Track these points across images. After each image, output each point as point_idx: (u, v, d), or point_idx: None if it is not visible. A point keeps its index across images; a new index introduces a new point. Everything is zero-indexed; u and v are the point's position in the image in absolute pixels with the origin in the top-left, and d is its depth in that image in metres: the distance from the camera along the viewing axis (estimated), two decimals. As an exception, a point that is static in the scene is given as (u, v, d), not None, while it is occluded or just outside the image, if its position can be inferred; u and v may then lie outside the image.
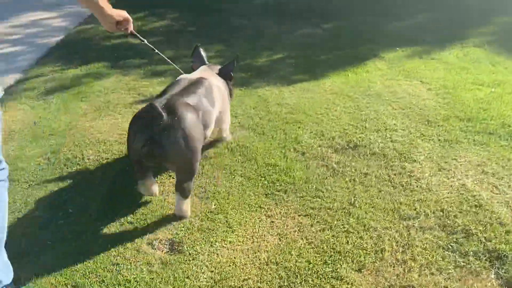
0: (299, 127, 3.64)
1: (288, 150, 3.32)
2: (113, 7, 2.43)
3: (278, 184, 2.96)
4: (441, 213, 2.70)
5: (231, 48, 5.51)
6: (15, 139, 3.54)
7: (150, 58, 5.15)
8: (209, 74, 3.17)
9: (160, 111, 2.40)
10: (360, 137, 3.48)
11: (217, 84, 3.12)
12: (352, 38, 5.77)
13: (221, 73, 3.31)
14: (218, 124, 3.17)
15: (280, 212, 2.73)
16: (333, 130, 3.58)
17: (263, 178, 3.02)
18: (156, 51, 3.07)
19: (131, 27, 2.60)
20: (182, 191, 2.62)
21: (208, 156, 3.26)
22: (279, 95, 4.22)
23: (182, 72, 3.22)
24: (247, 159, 3.23)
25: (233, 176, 3.05)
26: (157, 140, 2.41)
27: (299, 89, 4.35)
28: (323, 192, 2.88)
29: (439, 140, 3.44)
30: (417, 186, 2.93)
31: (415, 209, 2.73)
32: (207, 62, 3.40)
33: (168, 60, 3.23)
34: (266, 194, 2.88)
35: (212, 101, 2.92)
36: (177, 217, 2.68)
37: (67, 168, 3.15)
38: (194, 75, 3.08)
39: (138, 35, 2.78)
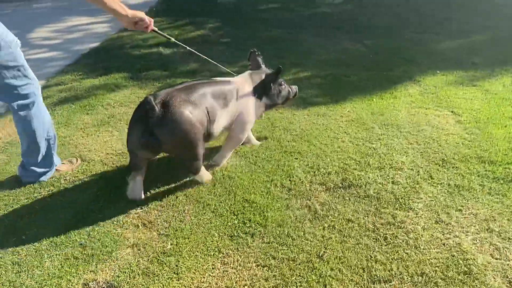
0: (296, 158, 3.35)
1: (274, 185, 3.04)
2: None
3: (248, 225, 2.70)
4: (420, 277, 2.33)
5: (259, 63, 5.25)
6: (6, 152, 3.50)
7: (173, 70, 5.03)
8: (242, 80, 3.18)
9: (153, 105, 2.57)
10: (358, 175, 3.13)
11: (244, 91, 3.13)
12: (392, 56, 5.37)
13: (263, 82, 3.27)
14: (232, 128, 3.16)
15: (238, 260, 2.46)
16: (331, 164, 3.25)
17: (235, 217, 2.77)
18: (187, 47, 3.32)
19: (151, 26, 2.82)
20: (189, 169, 2.94)
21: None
22: (290, 119, 3.93)
23: (224, 68, 3.52)
24: (226, 192, 2.98)
25: (204, 211, 2.82)
26: (152, 132, 2.60)
27: (314, 114, 4.04)
28: (293, 239, 2.59)
29: (448, 185, 3.03)
30: (402, 241, 2.56)
31: (390, 270, 2.37)
32: (262, 66, 3.40)
33: (204, 57, 3.43)
34: (231, 236, 2.62)
35: (224, 103, 2.96)
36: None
37: (41, 188, 3.05)
38: (227, 78, 3.15)
39: (159, 31, 2.97)
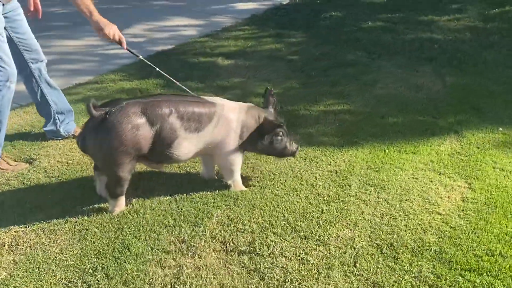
0: (227, 205, 2.98)
1: (171, 233, 2.74)
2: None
3: (96, 273, 2.45)
4: None
5: (304, 88, 4.84)
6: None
7: (209, 83, 4.89)
8: (232, 107, 2.95)
9: (90, 110, 2.59)
10: (271, 241, 2.68)
11: (230, 119, 2.90)
12: (463, 101, 4.52)
13: (262, 125, 3.01)
14: (215, 158, 3.06)
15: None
16: (255, 221, 2.84)
17: (87, 260, 2.54)
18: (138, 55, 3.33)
19: (108, 38, 3.05)
20: (107, 189, 2.80)
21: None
22: (268, 158, 3.50)
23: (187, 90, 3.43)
24: (115, 228, 2.77)
25: (68, 248, 2.64)
26: (83, 135, 2.68)
27: (302, 156, 3.57)
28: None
29: (366, 279, 2.44)
30: None
31: None
32: (269, 108, 3.11)
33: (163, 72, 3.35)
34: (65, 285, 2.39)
35: (197, 127, 2.78)
36: None
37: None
38: (219, 100, 2.98)
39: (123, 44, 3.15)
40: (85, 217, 2.83)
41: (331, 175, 3.32)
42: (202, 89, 4.71)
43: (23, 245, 2.63)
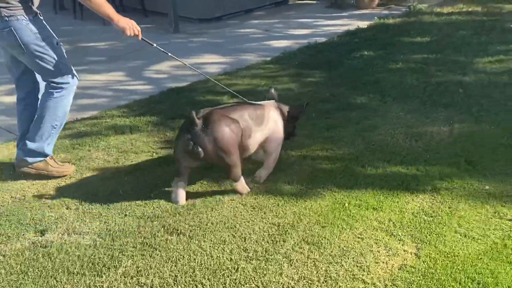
0: (142, 255, 2.89)
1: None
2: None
3: None
4: None
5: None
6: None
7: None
8: (272, 106, 3.72)
9: (193, 118, 3.16)
10: None
11: (274, 116, 3.65)
12: (457, 153, 4.16)
13: (288, 114, 3.81)
14: (265, 148, 3.66)
15: None
16: (152, 278, 2.71)
17: None
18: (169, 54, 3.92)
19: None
20: (229, 176, 3.44)
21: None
22: (215, 207, 3.39)
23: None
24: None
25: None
26: (195, 141, 3.14)
27: (253, 205, 3.43)
28: None
29: None
30: None
31: None
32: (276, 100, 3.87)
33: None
34: None
35: (259, 121, 3.50)
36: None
37: None
38: (260, 102, 3.72)
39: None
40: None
41: (271, 228, 3.14)
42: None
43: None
